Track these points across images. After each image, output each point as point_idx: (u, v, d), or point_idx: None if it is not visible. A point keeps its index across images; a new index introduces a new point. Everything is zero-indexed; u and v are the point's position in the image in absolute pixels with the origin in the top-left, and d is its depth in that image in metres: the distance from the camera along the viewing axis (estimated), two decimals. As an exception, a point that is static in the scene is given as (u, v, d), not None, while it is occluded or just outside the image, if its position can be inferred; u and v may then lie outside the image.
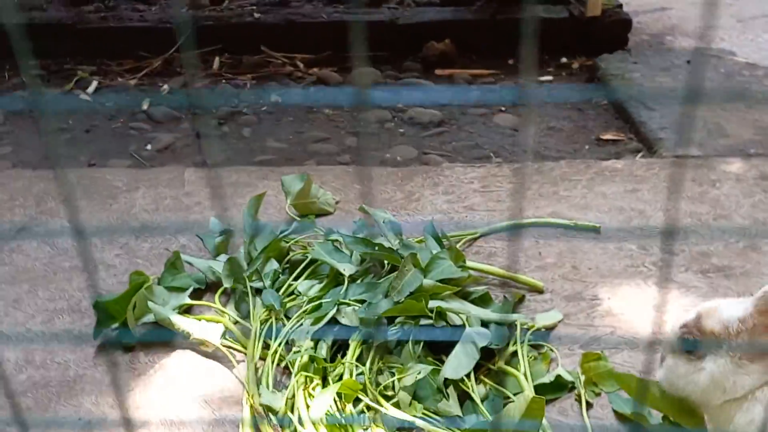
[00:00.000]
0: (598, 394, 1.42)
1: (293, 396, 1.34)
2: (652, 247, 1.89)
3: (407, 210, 2.08)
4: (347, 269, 1.59)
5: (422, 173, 2.28)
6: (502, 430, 1.01)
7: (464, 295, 1.63)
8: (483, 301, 1.64)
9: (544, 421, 1.32)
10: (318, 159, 2.46)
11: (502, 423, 1.02)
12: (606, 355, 1.50)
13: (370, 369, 1.40)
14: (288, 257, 1.74)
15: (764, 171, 2.20)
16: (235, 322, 1.58)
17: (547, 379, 1.42)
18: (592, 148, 2.61)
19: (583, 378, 1.42)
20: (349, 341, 1.46)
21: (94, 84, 2.93)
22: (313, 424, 1.25)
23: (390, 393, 1.38)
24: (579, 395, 1.42)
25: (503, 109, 2.89)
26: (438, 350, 1.48)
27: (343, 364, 1.40)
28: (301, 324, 1.49)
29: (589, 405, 1.40)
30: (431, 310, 1.47)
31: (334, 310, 1.49)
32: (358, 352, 1.45)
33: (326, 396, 1.25)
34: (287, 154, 2.51)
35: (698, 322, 1.14)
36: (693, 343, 1.13)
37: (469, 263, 1.76)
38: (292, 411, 1.32)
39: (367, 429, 1.28)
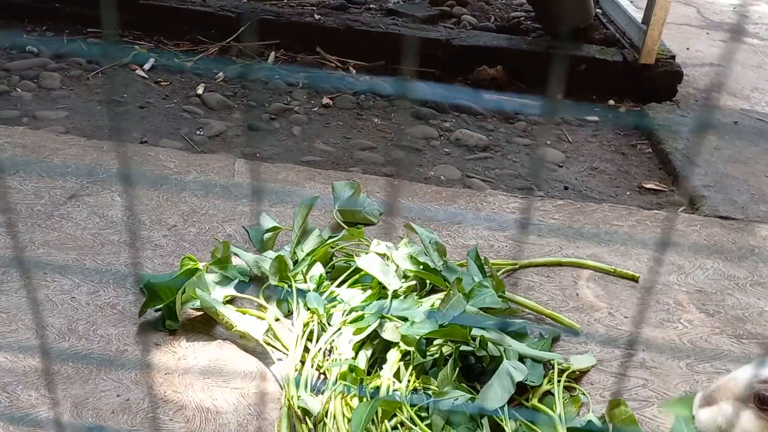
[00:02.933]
0: (625, 443, 1.43)
1: (328, 402, 1.36)
2: (688, 305, 1.90)
3: (449, 231, 2.10)
4: (392, 284, 1.61)
5: (465, 196, 2.30)
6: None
7: (502, 327, 1.65)
8: (519, 334, 1.66)
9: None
10: (363, 167, 2.48)
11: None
12: (634, 408, 1.51)
13: (407, 387, 1.42)
14: (332, 262, 1.76)
15: (805, 243, 2.20)
16: (276, 320, 1.60)
17: (578, 423, 1.43)
18: (633, 195, 2.62)
19: (610, 426, 1.43)
20: (387, 356, 1.48)
21: (152, 61, 2.97)
22: (350, 434, 1.26)
23: (423, 414, 1.39)
24: (607, 443, 1.43)
25: (548, 143, 2.91)
26: (472, 377, 1.50)
27: (380, 377, 1.42)
28: (342, 332, 1.51)
29: (616, 454, 1.42)
30: (473, 338, 1.49)
31: (377, 323, 1.51)
32: (395, 368, 1.46)
33: (365, 409, 1.26)
34: (334, 158, 2.54)
35: None
36: None
37: (508, 294, 1.78)
38: (326, 417, 1.34)
39: (399, 446, 1.30)
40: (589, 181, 2.69)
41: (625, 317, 1.83)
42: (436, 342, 1.53)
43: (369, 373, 1.45)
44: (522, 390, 1.50)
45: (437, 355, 1.51)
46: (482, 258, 1.81)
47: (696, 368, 1.67)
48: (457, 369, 1.48)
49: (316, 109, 2.85)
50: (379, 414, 1.34)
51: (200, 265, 1.62)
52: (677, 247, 2.15)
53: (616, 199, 2.57)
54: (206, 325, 1.58)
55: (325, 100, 2.89)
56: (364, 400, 1.33)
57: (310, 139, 2.63)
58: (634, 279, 1.97)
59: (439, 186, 2.38)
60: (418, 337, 1.47)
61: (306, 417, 1.32)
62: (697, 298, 1.93)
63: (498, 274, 1.90)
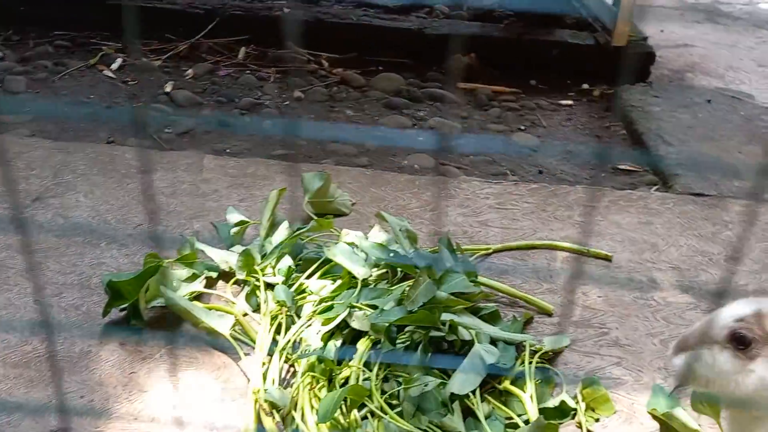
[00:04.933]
0: (597, 420, 1.42)
1: (296, 394, 1.34)
2: (662, 282, 1.90)
3: (422, 219, 2.08)
4: (361, 273, 1.59)
5: (440, 185, 2.28)
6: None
7: (474, 311, 1.63)
8: (492, 318, 1.64)
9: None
10: (336, 159, 2.46)
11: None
12: (608, 385, 1.51)
13: (377, 375, 1.40)
14: (301, 255, 1.74)
15: (777, 216, 2.20)
16: (245, 314, 1.58)
17: (552, 404, 1.42)
18: (607, 177, 2.62)
19: (583, 404, 1.42)
20: (357, 345, 1.46)
21: (119, 61, 2.93)
22: (317, 425, 1.24)
23: (394, 402, 1.38)
24: (580, 423, 1.42)
25: (522, 128, 2.89)
26: (444, 361, 1.48)
27: (350, 367, 1.40)
28: (311, 324, 1.49)
29: (589, 432, 1.41)
30: (443, 323, 1.47)
31: (346, 313, 1.49)
32: (365, 357, 1.44)
33: (333, 399, 1.24)
34: (306, 151, 2.51)
35: (760, 319, 1.06)
36: (749, 339, 1.05)
37: (481, 279, 1.77)
38: (295, 409, 1.32)
39: (370, 435, 1.28)
40: (563, 164, 2.68)
41: (599, 297, 1.82)
42: (406, 329, 1.51)
43: (339, 364, 1.43)
44: (496, 373, 1.48)
45: (408, 343, 1.49)
46: (454, 244, 1.79)
47: (670, 344, 1.66)
48: (429, 355, 1.47)
49: (287, 102, 2.83)
50: (348, 404, 1.32)
51: (165, 263, 1.59)
52: (651, 225, 2.14)
53: (590, 181, 2.56)
54: (173, 323, 1.55)
55: (297, 93, 2.86)
56: (333, 390, 1.31)
57: (282, 133, 2.61)
58: (608, 258, 1.96)
59: (412, 174, 2.36)
60: (387, 325, 1.45)
61: (274, 410, 1.30)
62: (671, 275, 1.92)
63: (471, 259, 1.89)
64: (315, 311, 1.51)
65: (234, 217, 1.81)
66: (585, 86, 3.27)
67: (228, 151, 2.42)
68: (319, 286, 1.60)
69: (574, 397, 1.46)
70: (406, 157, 2.57)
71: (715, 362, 1.11)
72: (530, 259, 1.96)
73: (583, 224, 2.13)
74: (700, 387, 1.16)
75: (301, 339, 1.47)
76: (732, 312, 1.11)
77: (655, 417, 1.44)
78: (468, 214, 2.14)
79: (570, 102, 3.16)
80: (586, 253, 1.98)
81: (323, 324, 1.48)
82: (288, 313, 1.52)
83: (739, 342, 1.09)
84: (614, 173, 2.66)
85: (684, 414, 1.39)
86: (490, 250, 1.95)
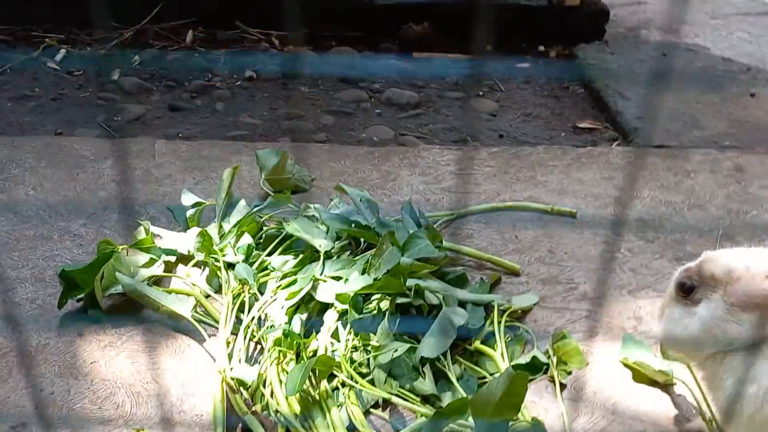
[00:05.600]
0: (569, 373, 1.42)
1: (264, 371, 1.31)
2: (628, 234, 1.90)
3: (384, 190, 2.05)
4: (323, 245, 1.56)
5: (399, 154, 2.25)
6: (480, 407, 1.00)
7: (441, 276, 1.61)
8: (460, 281, 1.63)
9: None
10: (293, 136, 2.41)
11: (481, 400, 1.00)
12: (579, 339, 1.50)
13: (345, 346, 1.37)
14: (262, 232, 1.70)
15: (738, 163, 2.22)
16: (207, 296, 1.53)
17: (523, 360, 1.41)
18: (568, 136, 2.61)
19: (554, 359, 1.42)
20: (324, 317, 1.43)
21: (63, 52, 2.83)
22: (286, 399, 1.21)
23: (365, 370, 1.35)
24: (552, 377, 1.41)
25: (481, 93, 2.87)
26: (414, 327, 1.46)
27: (317, 340, 1.37)
28: (275, 299, 1.45)
29: (562, 386, 1.40)
30: (409, 289, 1.45)
31: (310, 286, 1.46)
32: (333, 328, 1.42)
33: (300, 371, 1.21)
34: (261, 130, 2.46)
35: (700, 266, 1.11)
36: (690, 286, 1.11)
37: (446, 244, 1.75)
38: (264, 386, 1.29)
39: (341, 406, 1.26)
40: (523, 127, 2.67)
41: (565, 253, 1.82)
42: (373, 298, 1.49)
43: (307, 337, 1.40)
44: (466, 335, 1.46)
45: (375, 311, 1.46)
46: (417, 210, 1.77)
47: (638, 294, 1.67)
48: (397, 321, 1.44)
49: (239, 83, 2.76)
50: (317, 375, 1.29)
51: (119, 249, 1.54)
52: (613, 180, 2.14)
53: (551, 141, 2.55)
54: (132, 310, 1.50)
55: (249, 73, 2.80)
56: (300, 363, 1.28)
57: (235, 114, 2.55)
58: (572, 215, 1.95)
59: (372, 146, 2.33)
60: (352, 294, 1.42)
61: (241, 388, 1.27)
62: (635, 227, 1.92)
63: (435, 225, 1.87)
64: (278, 287, 1.48)
65: (189, 199, 1.75)
66: (541, 48, 3.26)
67: (180, 135, 2.35)
68: (281, 262, 1.57)
69: (546, 353, 1.45)
70: (365, 129, 2.53)
71: (671, 315, 1.17)
72: (495, 221, 1.94)
73: (546, 183, 2.12)
74: (674, 346, 1.21)
75: (265, 315, 1.43)
76: (685, 265, 1.17)
77: (627, 366, 1.44)
78: (430, 181, 2.12)
79: (527, 64, 3.14)
80: (550, 211, 1.97)
81: (287, 299, 1.45)
82: (250, 291, 1.49)
83: (684, 290, 1.13)
84: (575, 132, 2.65)
85: (655, 361, 1.39)
86: (454, 216, 1.94)
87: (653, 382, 1.40)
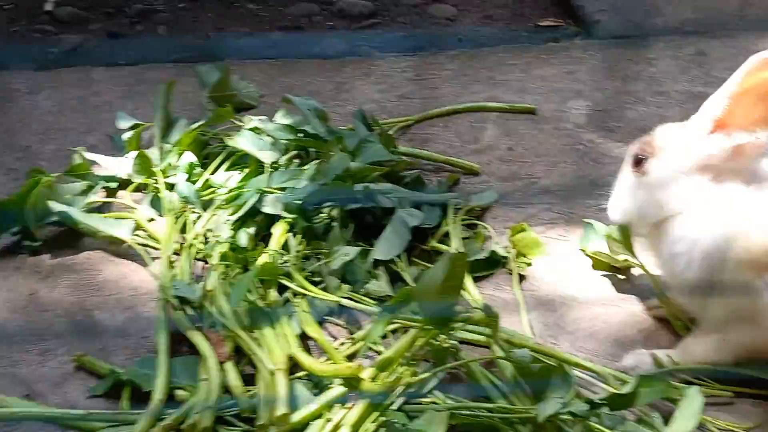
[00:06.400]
0: (529, 265, 1.38)
1: (212, 287, 1.25)
2: (588, 126, 1.83)
3: (337, 101, 1.96)
4: (268, 157, 1.48)
5: (353, 64, 2.15)
6: (423, 293, 0.95)
7: (396, 180, 1.55)
8: (416, 184, 1.56)
9: (477, 294, 1.28)
10: (241, 55, 2.29)
11: (424, 286, 0.96)
12: (540, 231, 1.46)
13: (296, 255, 1.32)
14: (206, 150, 1.61)
15: (700, 47, 2.14)
16: (151, 220, 1.46)
17: (482, 255, 1.37)
18: (530, 35, 2.50)
19: (513, 252, 1.37)
20: (272, 229, 1.37)
21: (-10, -15, 2.65)
22: (232, 311, 1.16)
23: (318, 279, 1.30)
24: (511, 269, 1.37)
25: (438, -1, 2.74)
26: (369, 234, 1.40)
27: (266, 252, 1.31)
28: (219, 216, 1.38)
29: (522, 277, 1.36)
30: (359, 193, 1.38)
31: (255, 199, 1.39)
32: (283, 240, 1.36)
33: (243, 282, 1.16)
34: (206, 50, 2.33)
35: (652, 138, 1.15)
36: (641, 157, 1.14)
37: (402, 148, 1.68)
38: (211, 303, 1.23)
39: (292, 316, 1.21)
40: (483, 30, 2.55)
41: (525, 150, 1.75)
42: (324, 206, 1.42)
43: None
44: (423, 237, 1.41)
45: (327, 220, 1.40)
46: (370, 118, 1.69)
47: (599, 182, 1.61)
48: (351, 227, 1.39)
49: (182, 4, 2.61)
50: (264, 285, 1.23)
51: (52, 176, 1.45)
52: (575, 73, 2.06)
53: (513, 42, 2.45)
54: (71, 239, 1.43)
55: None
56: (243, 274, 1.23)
57: (178, 37, 2.41)
58: (531, 111, 1.88)
59: (324, 59, 2.22)
60: (299, 203, 1.35)
61: (185, 306, 1.21)
62: (597, 118, 1.86)
63: (392, 132, 1.79)
64: (221, 203, 1.41)
65: (125, 122, 1.66)
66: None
67: (121, 62, 2.23)
68: (225, 178, 1.49)
69: (506, 247, 1.41)
70: (317, 44, 2.41)
71: (623, 186, 1.20)
72: (453, 124, 1.87)
73: (506, 83, 2.04)
74: (624, 216, 1.21)
75: (210, 232, 1.37)
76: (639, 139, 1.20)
77: (587, 254, 1.40)
78: (386, 90, 2.03)
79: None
80: (509, 109, 1.90)
81: (232, 213, 1.38)
82: (193, 210, 1.41)
83: (637, 161, 1.16)
84: (537, 31, 2.54)
85: (613, 244, 1.35)
86: (411, 121, 1.86)
87: (613, 268, 1.37)
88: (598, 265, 1.37)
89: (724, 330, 1.08)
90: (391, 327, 1.14)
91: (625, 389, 1.02)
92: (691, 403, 0.99)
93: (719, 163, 1.07)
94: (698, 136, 1.08)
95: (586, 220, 1.42)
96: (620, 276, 1.36)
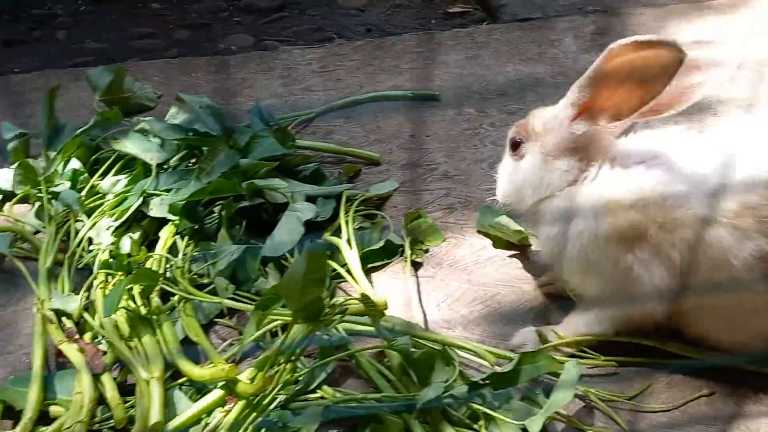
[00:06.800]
0: (426, 251, 1.37)
1: (94, 298, 1.21)
2: (490, 109, 1.84)
3: (239, 98, 1.92)
4: (154, 158, 1.44)
5: (256, 59, 2.11)
6: (288, 290, 0.93)
7: (294, 174, 1.52)
8: (315, 177, 1.54)
9: (366, 284, 1.26)
10: (143, 56, 2.23)
11: (288, 283, 0.94)
12: (438, 217, 1.45)
13: (183, 258, 1.28)
14: (97, 155, 1.56)
15: (600, 25, 2.17)
16: (37, 232, 1.41)
17: (377, 245, 1.35)
18: (439, 22, 2.51)
19: (409, 239, 1.36)
20: (160, 233, 1.34)
21: None
22: (110, 321, 1.12)
23: (207, 281, 1.27)
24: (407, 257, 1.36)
25: (348, -11, 2.72)
26: (266, 231, 1.37)
27: (151, 256, 1.28)
28: (102, 223, 1.34)
29: (419, 264, 1.35)
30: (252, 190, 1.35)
31: (139, 203, 1.35)
32: (170, 242, 1.32)
33: (117, 291, 1.12)
34: (108, 53, 2.27)
35: (526, 122, 1.17)
36: (517, 141, 1.17)
37: (300, 142, 1.65)
38: (93, 314, 1.19)
39: (176, 321, 1.17)
40: (393, 19, 2.55)
41: (427, 136, 1.75)
42: (215, 205, 1.39)
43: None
44: (320, 229, 1.39)
45: (218, 219, 1.37)
46: (267, 113, 1.66)
47: (498, 165, 1.62)
48: (242, 226, 1.36)
49: (83, 8, 2.53)
50: (143, 291, 1.20)
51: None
52: (478, 58, 2.07)
53: (422, 29, 2.45)
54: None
55: (92, -4, 2.57)
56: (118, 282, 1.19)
57: (78, 41, 2.34)
58: (435, 98, 1.88)
59: (228, 55, 2.18)
60: (182, 204, 1.32)
61: (64, 318, 1.17)
62: (498, 102, 1.86)
63: (292, 126, 1.76)
64: (104, 209, 1.36)
65: (9, 131, 1.59)
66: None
67: (16, 70, 2.14)
68: (111, 183, 1.44)
69: (403, 236, 1.40)
70: (223, 40, 2.36)
71: (503, 170, 1.21)
72: (357, 114, 1.85)
73: (410, 71, 2.03)
74: (505, 197, 1.22)
75: (92, 239, 1.32)
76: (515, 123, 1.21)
77: (485, 234, 1.40)
78: (289, 83, 2.00)
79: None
80: (413, 97, 1.89)
81: (116, 219, 1.34)
82: (78, 218, 1.36)
83: (513, 145, 1.18)
84: (446, 18, 2.55)
85: (509, 222, 1.35)
86: (313, 114, 1.83)
87: (511, 246, 1.37)
88: (497, 243, 1.38)
89: (602, 304, 1.10)
90: (273, 325, 1.11)
91: (506, 368, 1.03)
92: (569, 375, 1.00)
93: (585, 145, 1.09)
94: (565, 120, 1.09)
95: (484, 204, 1.42)
96: (518, 253, 1.37)
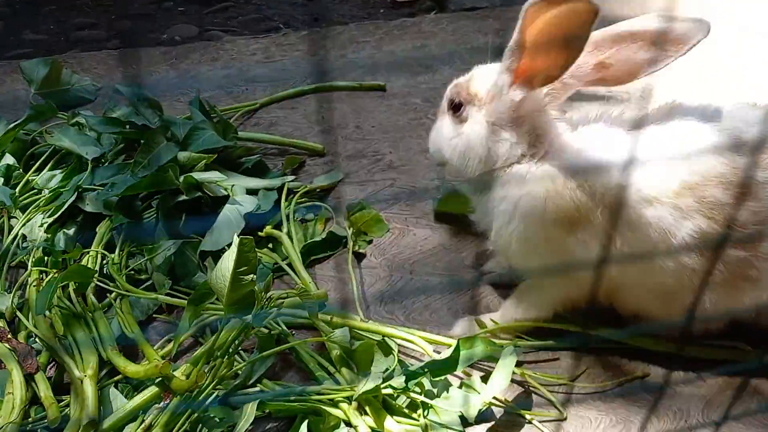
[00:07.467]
0: (369, 242, 1.37)
1: (28, 296, 1.18)
2: (436, 99, 1.84)
3: (181, 89, 1.89)
4: (90, 152, 1.40)
5: (200, 50, 2.08)
6: (218, 282, 0.92)
7: (235, 167, 1.51)
8: (258, 170, 1.53)
9: (306, 277, 1.26)
10: (83, 47, 2.17)
11: (218, 276, 0.93)
12: (382, 207, 1.45)
13: (119, 254, 1.26)
14: (31, 150, 1.52)
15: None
16: (-32, 232, 1.36)
17: (320, 237, 1.35)
18: (386, 12, 2.50)
19: (351, 230, 1.36)
20: (97, 228, 1.31)
21: None
22: (49, 320, 1.09)
23: (144, 277, 1.25)
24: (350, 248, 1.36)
25: (295, -21, 2.69)
26: (208, 225, 1.35)
27: (87, 252, 1.25)
28: (35, 219, 1.30)
29: (362, 255, 1.35)
30: (189, 184, 1.33)
31: (73, 198, 1.31)
32: (107, 238, 1.29)
33: (48, 288, 1.09)
34: (47, 45, 2.20)
35: (469, 82, 1.08)
36: (458, 102, 1.08)
37: (243, 134, 1.63)
38: (25, 312, 1.16)
39: (113, 318, 1.15)
40: (340, 8, 2.53)
41: (372, 127, 1.74)
42: (155, 198, 1.36)
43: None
44: (262, 223, 1.38)
45: (155, 214, 1.35)
46: (207, 104, 1.63)
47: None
48: (181, 220, 1.34)
49: (20, -2, 2.45)
50: (77, 288, 1.17)
51: None
52: (425, 48, 2.07)
53: (369, 19, 2.44)
54: None
55: (30, -15, 2.48)
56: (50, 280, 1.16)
57: (15, 33, 2.26)
58: (381, 88, 1.88)
59: (170, 46, 2.13)
60: (117, 198, 1.29)
61: (-5, 318, 1.14)
62: (444, 91, 1.87)
63: (235, 117, 1.74)
64: (38, 205, 1.32)
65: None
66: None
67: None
68: (47, 179, 1.40)
69: (346, 227, 1.39)
70: (166, 30, 2.32)
71: (441, 129, 1.11)
72: (301, 105, 1.83)
73: (356, 60, 2.02)
74: (441, 160, 1.14)
75: (24, 236, 1.29)
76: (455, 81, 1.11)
77: (437, 215, 1.41)
78: (233, 74, 1.97)
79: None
80: (359, 87, 1.88)
81: (50, 215, 1.30)
82: (11, 214, 1.33)
83: (453, 106, 1.08)
84: (394, 7, 2.54)
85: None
86: (257, 105, 1.81)
87: (455, 218, 1.38)
88: (441, 206, 1.40)
89: (542, 286, 1.10)
90: (210, 320, 1.10)
91: (444, 355, 1.03)
92: (506, 361, 1.01)
93: (529, 115, 1.03)
94: (504, 87, 1.02)
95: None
96: (460, 242, 1.37)
